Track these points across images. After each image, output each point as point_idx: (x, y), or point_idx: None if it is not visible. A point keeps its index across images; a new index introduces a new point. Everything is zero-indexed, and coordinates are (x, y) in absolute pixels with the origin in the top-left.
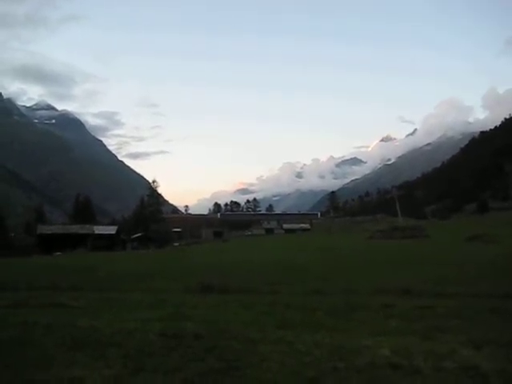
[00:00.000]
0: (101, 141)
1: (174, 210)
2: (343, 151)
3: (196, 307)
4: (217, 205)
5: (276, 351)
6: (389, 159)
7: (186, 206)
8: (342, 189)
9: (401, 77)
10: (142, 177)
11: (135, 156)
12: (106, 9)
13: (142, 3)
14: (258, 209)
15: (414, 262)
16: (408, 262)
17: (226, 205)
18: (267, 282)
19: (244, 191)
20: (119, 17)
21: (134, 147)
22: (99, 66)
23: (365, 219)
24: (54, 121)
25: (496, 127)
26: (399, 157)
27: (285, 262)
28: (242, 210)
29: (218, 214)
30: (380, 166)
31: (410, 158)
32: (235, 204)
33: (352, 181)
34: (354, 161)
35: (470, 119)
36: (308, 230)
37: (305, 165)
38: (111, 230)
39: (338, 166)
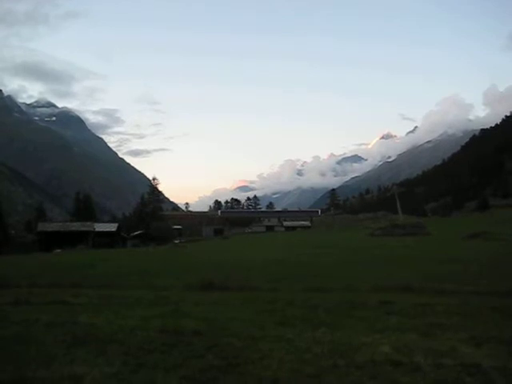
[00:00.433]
0: (101, 138)
1: (175, 207)
2: (344, 148)
3: (196, 304)
4: (217, 202)
5: (276, 348)
6: (389, 157)
7: (187, 204)
8: (343, 186)
9: (401, 74)
10: (143, 174)
11: (136, 153)
12: (106, 6)
13: (142, 0)
14: (258, 206)
15: (414, 260)
16: (408, 260)
17: (227, 202)
18: (267, 279)
19: (245, 188)
20: (119, 14)
21: (135, 144)
22: (100, 64)
23: (365, 216)
24: (54, 118)
25: (497, 125)
26: (400, 154)
27: (285, 259)
28: (242, 208)
29: (219, 212)
30: (380, 163)
31: (411, 155)
32: (236, 201)
33: (352, 178)
34: (355, 158)
35: (471, 116)
36: (308, 227)
37: (305, 162)
38: (112, 227)
39: (338, 163)
